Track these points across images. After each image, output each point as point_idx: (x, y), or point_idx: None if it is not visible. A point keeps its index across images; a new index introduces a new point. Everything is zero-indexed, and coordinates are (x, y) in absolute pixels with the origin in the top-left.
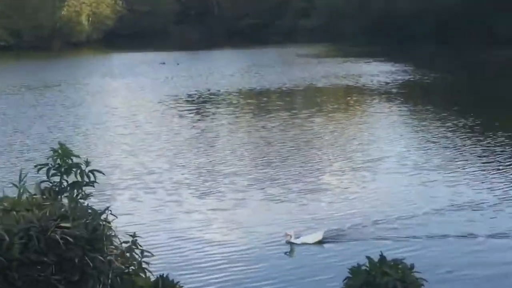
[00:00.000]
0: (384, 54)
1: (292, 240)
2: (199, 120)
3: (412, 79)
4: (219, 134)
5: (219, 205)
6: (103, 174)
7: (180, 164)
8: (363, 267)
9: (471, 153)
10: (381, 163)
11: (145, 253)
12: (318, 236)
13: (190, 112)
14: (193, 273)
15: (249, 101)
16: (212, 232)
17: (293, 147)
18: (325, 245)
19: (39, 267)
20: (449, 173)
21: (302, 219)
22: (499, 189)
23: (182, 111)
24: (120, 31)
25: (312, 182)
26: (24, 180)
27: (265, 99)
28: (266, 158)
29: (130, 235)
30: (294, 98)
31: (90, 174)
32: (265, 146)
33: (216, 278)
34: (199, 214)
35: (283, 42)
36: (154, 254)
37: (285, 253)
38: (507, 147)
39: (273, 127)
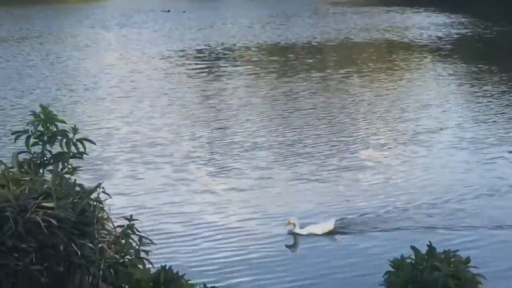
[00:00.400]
0: (436, 2)
1: (297, 230)
2: (211, 81)
3: (470, 33)
4: (235, 98)
5: (236, 184)
6: (94, 144)
7: (189, 135)
8: (408, 260)
9: None
10: (433, 135)
11: (144, 240)
12: (328, 225)
13: (200, 71)
14: (202, 266)
15: (272, 58)
16: (227, 217)
17: (325, 115)
18: (339, 237)
19: (16, 255)
20: None
21: (334, 203)
22: None
23: (190, 70)
24: None
25: (348, 157)
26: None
27: (291, 56)
28: (292, 128)
29: (126, 219)
30: (326, 55)
31: (79, 144)
32: (291, 114)
33: (230, 271)
34: (211, 195)
35: None
36: (155, 242)
37: (286, 246)
38: None
39: (302, 90)
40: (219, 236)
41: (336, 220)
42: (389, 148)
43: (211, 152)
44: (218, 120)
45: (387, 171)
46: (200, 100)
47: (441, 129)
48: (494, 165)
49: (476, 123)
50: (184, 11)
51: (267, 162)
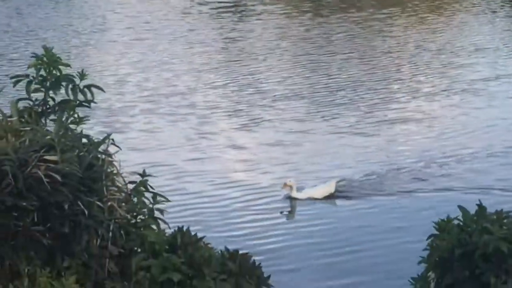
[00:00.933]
0: None
1: (293, 193)
2: (237, 21)
3: None
4: (265, 41)
5: (266, 139)
6: (104, 91)
7: (212, 82)
8: (455, 221)
9: None
10: (489, 83)
11: (159, 198)
12: (329, 188)
13: (224, 10)
14: (224, 228)
15: None
16: (255, 174)
17: (366, 59)
18: (343, 202)
19: (16, 214)
20: None
21: (375, 159)
22: None
23: (213, 8)
24: None
25: (393, 109)
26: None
27: None
28: (329, 75)
29: (139, 174)
30: None
31: (86, 91)
32: (328, 58)
33: (255, 237)
34: (237, 150)
35: None
36: (171, 200)
37: (281, 212)
38: None
39: (339, 32)
40: (245, 198)
41: (338, 182)
42: (439, 98)
43: (237, 102)
44: (246, 65)
45: (436, 124)
46: (225, 44)
47: (499, 76)
48: None
49: None
50: None
51: (300, 113)
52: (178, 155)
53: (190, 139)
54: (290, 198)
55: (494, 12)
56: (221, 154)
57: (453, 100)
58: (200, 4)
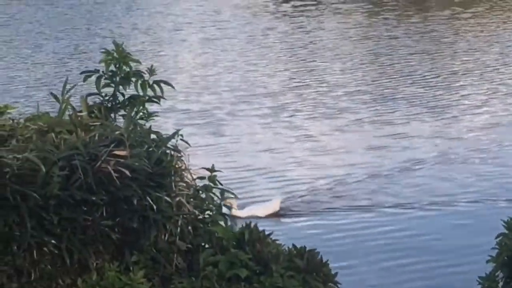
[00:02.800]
0: None
1: (234, 212)
2: (318, 20)
3: None
4: (348, 40)
5: (360, 141)
6: (173, 87)
7: (281, 72)
8: None
9: None
10: None
11: (227, 194)
12: (273, 206)
13: (305, 7)
14: (291, 227)
15: None
16: (324, 168)
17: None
18: (285, 220)
19: (85, 208)
20: None
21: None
22: None
23: (295, 6)
24: None
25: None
26: (68, 92)
27: None
28: (397, 70)
29: (208, 169)
30: None
31: (156, 86)
32: (393, 52)
33: (326, 237)
34: (306, 142)
35: None
36: (238, 196)
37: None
38: None
39: (427, 32)
40: (315, 191)
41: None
42: None
43: (326, 104)
44: (329, 66)
45: None
46: (306, 42)
47: None
48: None
49: None
50: None
51: (364, 103)
52: (245, 147)
53: (257, 131)
54: (231, 216)
55: None
56: (286, 145)
57: None
58: (280, 3)
